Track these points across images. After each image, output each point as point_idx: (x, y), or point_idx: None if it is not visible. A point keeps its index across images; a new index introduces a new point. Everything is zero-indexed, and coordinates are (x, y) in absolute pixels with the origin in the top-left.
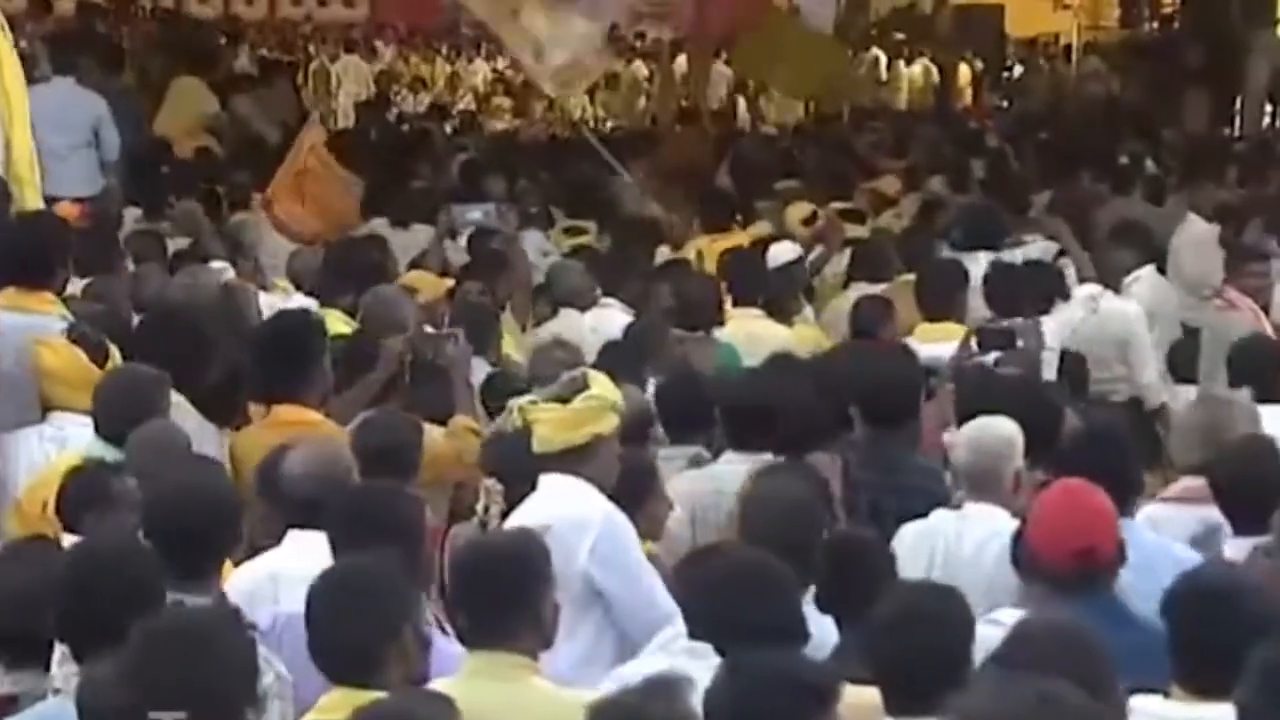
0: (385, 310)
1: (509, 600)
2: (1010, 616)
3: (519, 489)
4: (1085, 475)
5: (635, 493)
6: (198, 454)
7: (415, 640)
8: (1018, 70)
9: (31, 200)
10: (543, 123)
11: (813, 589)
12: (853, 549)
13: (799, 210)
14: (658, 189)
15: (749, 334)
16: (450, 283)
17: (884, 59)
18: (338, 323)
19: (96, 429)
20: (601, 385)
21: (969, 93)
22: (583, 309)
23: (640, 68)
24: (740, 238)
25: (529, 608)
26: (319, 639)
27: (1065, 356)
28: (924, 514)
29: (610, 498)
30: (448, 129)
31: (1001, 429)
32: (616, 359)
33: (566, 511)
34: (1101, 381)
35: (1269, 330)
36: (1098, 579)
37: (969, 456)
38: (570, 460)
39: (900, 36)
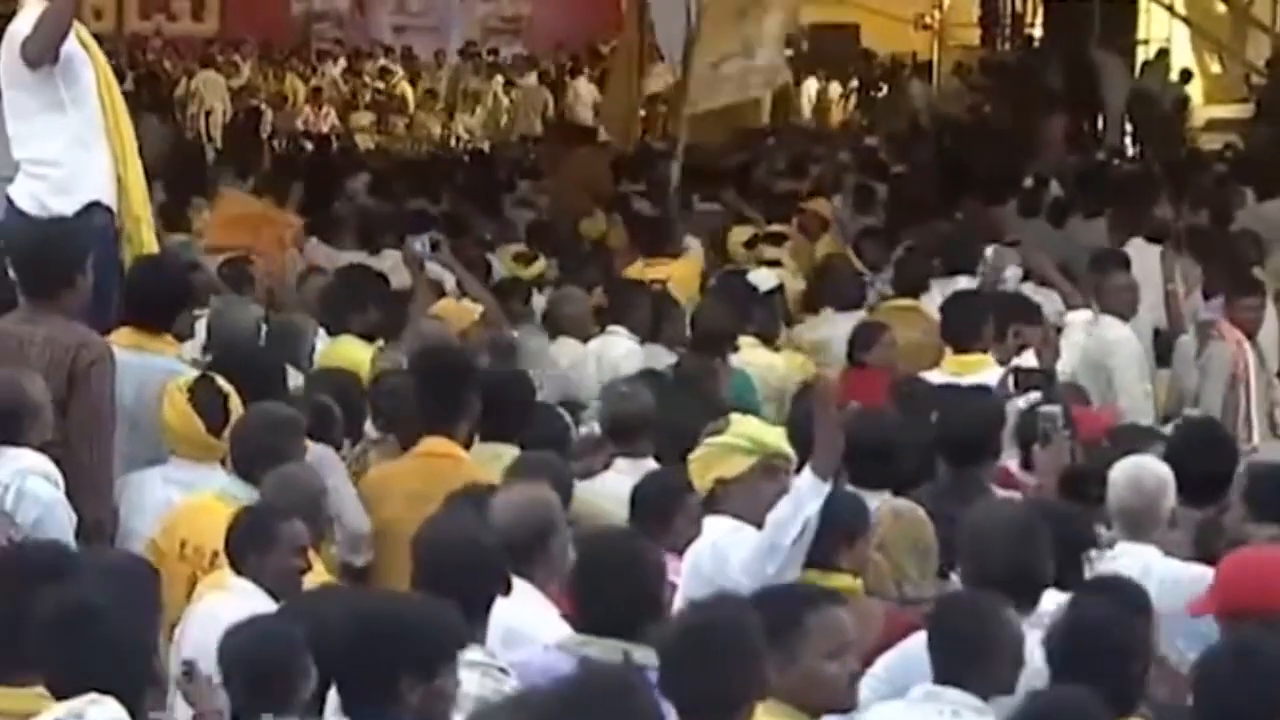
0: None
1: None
2: None
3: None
4: (1269, 514)
5: (850, 536)
6: (458, 504)
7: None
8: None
9: (148, 237)
10: (408, 139)
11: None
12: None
13: (740, 234)
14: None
15: (746, 361)
16: (480, 309)
17: None
18: (356, 348)
19: (235, 467)
20: (736, 429)
21: (835, 112)
22: (584, 338)
23: (499, 83)
24: (687, 265)
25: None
26: (677, 682)
27: None
28: None
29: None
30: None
31: (1158, 469)
32: (669, 399)
33: (695, 549)
34: None
35: (1252, 362)
36: None
37: (1128, 495)
38: (713, 506)
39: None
